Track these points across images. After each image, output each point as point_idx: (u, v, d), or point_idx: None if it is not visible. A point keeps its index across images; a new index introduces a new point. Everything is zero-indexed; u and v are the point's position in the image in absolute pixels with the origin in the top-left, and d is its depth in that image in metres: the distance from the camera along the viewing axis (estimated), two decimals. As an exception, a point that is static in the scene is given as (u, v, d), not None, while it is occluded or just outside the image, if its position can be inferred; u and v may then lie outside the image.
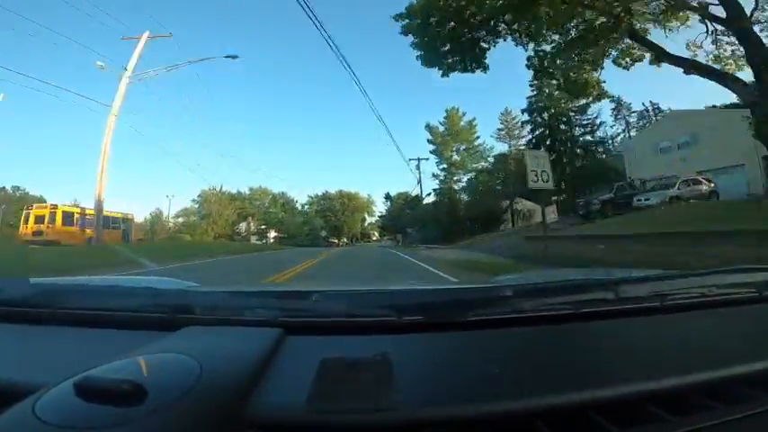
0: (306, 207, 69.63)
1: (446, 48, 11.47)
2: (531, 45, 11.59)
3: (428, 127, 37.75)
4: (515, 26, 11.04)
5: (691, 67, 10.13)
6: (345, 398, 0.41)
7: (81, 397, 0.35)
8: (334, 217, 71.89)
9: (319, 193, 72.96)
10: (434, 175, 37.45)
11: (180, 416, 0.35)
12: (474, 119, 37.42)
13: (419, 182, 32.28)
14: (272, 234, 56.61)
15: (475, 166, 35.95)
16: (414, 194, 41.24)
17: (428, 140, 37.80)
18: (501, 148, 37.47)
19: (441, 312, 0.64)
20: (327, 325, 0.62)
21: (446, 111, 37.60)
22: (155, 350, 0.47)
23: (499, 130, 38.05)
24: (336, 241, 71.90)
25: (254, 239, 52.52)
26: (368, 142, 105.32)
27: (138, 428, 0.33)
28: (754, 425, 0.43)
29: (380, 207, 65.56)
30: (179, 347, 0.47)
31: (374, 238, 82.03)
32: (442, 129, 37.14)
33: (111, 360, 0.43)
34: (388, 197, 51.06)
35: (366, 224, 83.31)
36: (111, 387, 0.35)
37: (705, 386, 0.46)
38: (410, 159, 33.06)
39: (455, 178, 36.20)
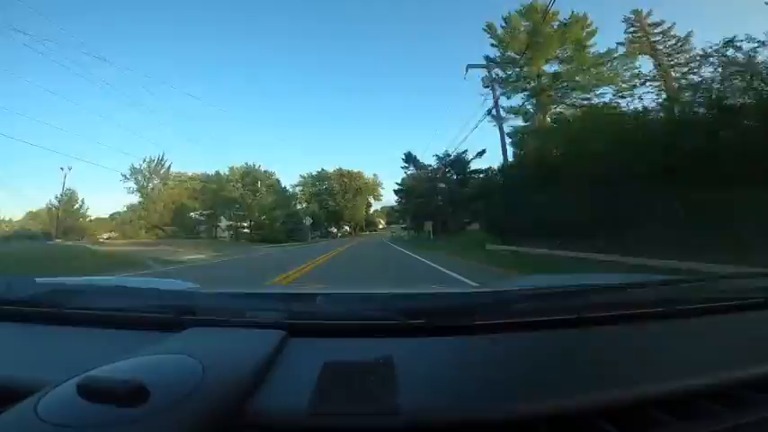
0: (298, 189, 53.60)
1: None
2: None
3: (491, 29, 20.66)
4: None
5: None
6: (348, 401, 0.41)
7: (83, 397, 0.35)
8: (332, 201, 56.24)
9: (314, 173, 57.07)
10: (506, 111, 19.63)
11: (182, 417, 0.35)
12: (585, 14, 19.77)
13: (493, 110, 15.27)
14: (224, 224, 37.26)
15: (589, 94, 18.83)
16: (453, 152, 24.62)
17: (487, 59, 20.07)
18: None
19: (445, 316, 0.64)
20: (331, 327, 0.62)
21: (518, 10, 20.45)
22: (158, 351, 0.47)
23: (619, 43, 21.14)
24: (335, 231, 56.73)
25: (226, 234, 36.16)
26: (373, 112, 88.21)
27: (140, 429, 0.33)
28: (760, 430, 0.42)
29: (389, 193, 48.51)
30: (182, 348, 0.47)
31: (380, 227, 67.79)
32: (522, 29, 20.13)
33: (115, 360, 0.43)
34: (409, 158, 29.89)
35: (372, 210, 68.46)
36: (113, 387, 0.35)
37: (711, 391, 0.45)
38: (469, 66, 16.70)
39: (548, 117, 19.41)
